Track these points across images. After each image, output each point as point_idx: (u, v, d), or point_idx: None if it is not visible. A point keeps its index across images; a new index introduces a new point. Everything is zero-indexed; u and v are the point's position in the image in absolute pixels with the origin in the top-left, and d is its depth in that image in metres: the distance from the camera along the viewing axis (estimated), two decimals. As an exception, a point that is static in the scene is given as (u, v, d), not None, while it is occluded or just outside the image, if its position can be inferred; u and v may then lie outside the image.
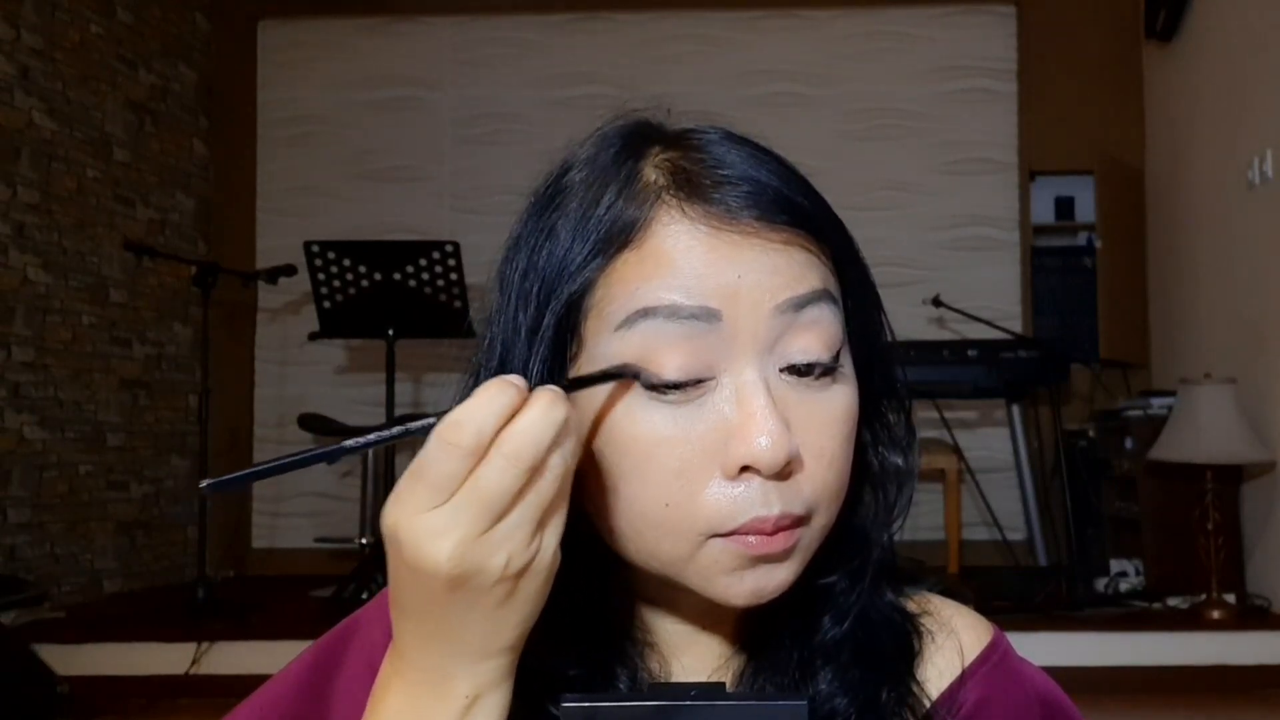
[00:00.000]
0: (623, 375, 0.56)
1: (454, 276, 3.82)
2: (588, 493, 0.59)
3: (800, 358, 0.57)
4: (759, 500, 0.55)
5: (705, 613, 0.64)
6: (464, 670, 0.52)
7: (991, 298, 4.96)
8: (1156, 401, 4.01)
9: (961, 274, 4.99)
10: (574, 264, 0.58)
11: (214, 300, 3.94)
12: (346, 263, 3.84)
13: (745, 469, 0.55)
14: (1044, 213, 5.37)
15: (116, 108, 4.59)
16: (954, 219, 5.09)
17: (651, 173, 0.59)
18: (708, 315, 0.55)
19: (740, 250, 0.56)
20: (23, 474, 4.01)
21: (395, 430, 0.51)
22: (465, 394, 0.65)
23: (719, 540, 0.56)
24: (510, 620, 0.51)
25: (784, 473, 0.56)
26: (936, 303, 4.47)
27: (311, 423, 4.37)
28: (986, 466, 4.73)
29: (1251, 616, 3.54)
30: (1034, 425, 4.68)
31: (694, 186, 0.58)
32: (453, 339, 3.73)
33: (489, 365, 0.61)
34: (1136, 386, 4.67)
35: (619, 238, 0.58)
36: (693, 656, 0.65)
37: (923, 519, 4.49)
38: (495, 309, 0.62)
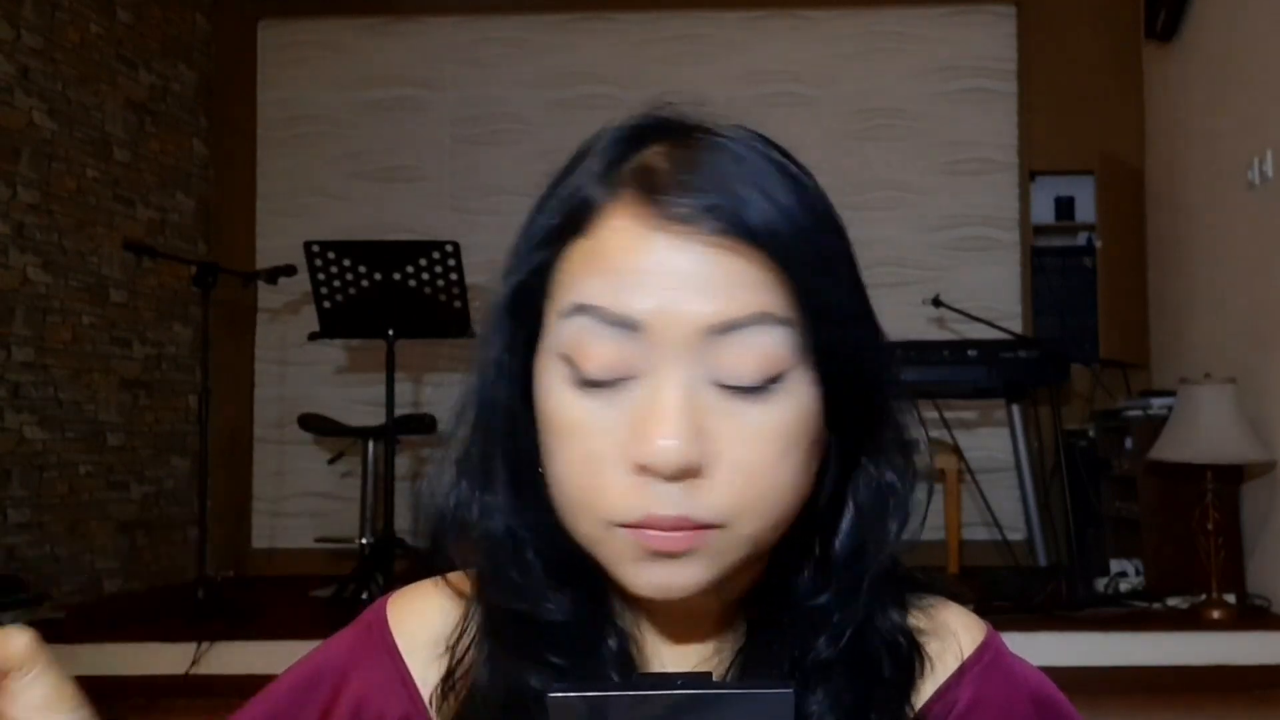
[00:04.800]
0: None
1: (454, 276, 3.82)
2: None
3: (728, 378, 0.55)
4: (655, 499, 0.55)
5: (683, 619, 0.63)
6: None
7: (991, 298, 4.96)
8: (1156, 401, 4.00)
9: (961, 274, 4.99)
10: (536, 239, 0.60)
11: (214, 300, 3.93)
12: (346, 263, 3.84)
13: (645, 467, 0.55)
14: (1044, 213, 5.36)
15: (116, 108, 4.59)
16: (954, 219, 5.09)
17: (629, 164, 0.59)
18: (632, 325, 0.55)
19: (679, 257, 0.55)
20: (23, 474, 4.00)
21: None
22: (468, 392, 0.66)
23: (622, 530, 0.56)
24: None
25: (686, 477, 0.55)
26: (936, 303, 4.47)
27: (311, 423, 4.38)
28: (986, 466, 4.73)
29: (1251, 616, 3.54)
30: (1034, 425, 4.68)
31: (655, 186, 0.56)
32: (453, 339, 3.73)
33: (481, 352, 0.63)
34: (1136, 386, 4.66)
35: (573, 222, 0.58)
36: (678, 666, 0.64)
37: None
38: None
